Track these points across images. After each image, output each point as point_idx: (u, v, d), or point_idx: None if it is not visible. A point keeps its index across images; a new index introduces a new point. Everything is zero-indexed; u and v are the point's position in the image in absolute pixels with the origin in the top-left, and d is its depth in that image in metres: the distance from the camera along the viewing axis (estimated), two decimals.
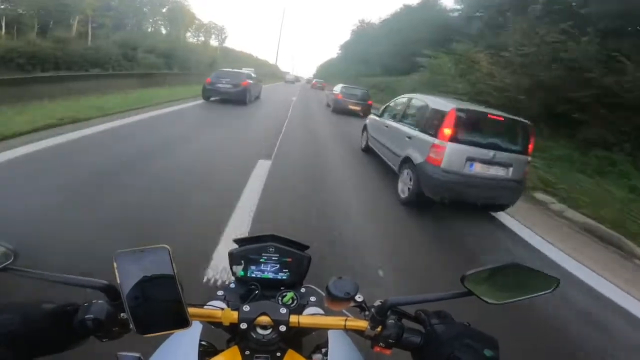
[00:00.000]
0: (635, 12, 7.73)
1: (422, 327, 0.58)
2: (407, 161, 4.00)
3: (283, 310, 0.59)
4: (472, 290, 0.57)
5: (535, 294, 0.58)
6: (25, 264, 0.51)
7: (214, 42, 53.62)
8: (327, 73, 54.35)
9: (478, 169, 3.52)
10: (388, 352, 0.59)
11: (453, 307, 0.60)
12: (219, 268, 2.14)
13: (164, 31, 41.30)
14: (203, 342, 0.67)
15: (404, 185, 3.98)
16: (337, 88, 14.03)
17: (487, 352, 0.50)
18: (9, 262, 0.50)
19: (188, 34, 48.87)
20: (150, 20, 38.67)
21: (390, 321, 0.58)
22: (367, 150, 6.16)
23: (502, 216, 4.10)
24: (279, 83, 39.34)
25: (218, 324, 0.60)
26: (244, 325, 0.57)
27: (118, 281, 0.47)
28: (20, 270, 0.50)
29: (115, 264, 0.46)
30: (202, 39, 51.84)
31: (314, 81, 38.67)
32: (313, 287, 0.79)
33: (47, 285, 0.53)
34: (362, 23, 49.22)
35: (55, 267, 0.56)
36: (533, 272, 0.59)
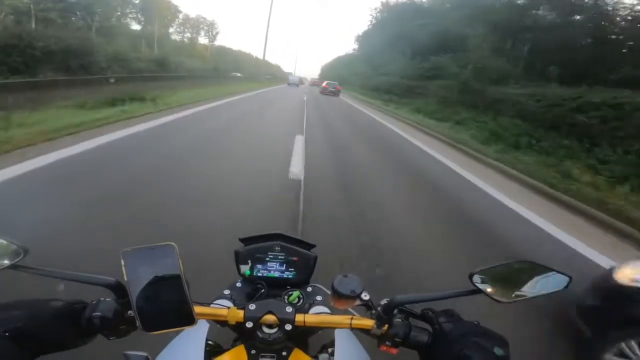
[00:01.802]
0: None
1: (430, 326, 0.57)
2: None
3: (289, 309, 0.59)
4: (481, 288, 0.56)
5: (546, 292, 0.57)
6: (34, 261, 0.51)
7: (203, 40, 46.66)
8: (337, 74, 42.45)
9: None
10: (395, 351, 0.58)
11: (460, 305, 0.57)
12: None
13: (137, 27, 34.14)
14: (210, 342, 0.67)
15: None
16: None
17: (498, 351, 0.49)
18: (18, 259, 0.50)
19: (171, 30, 41.47)
20: (118, 13, 31.52)
21: (397, 320, 0.57)
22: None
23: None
24: (280, 86, 29.93)
25: (224, 323, 0.60)
26: (249, 324, 0.57)
27: (125, 279, 0.47)
28: (30, 268, 0.51)
29: (122, 262, 0.47)
30: (188, 35, 45.00)
31: (324, 83, 27.68)
32: (319, 286, 0.79)
33: (56, 283, 0.52)
34: (384, 5, 36.56)
35: None
36: (543, 269, 0.58)
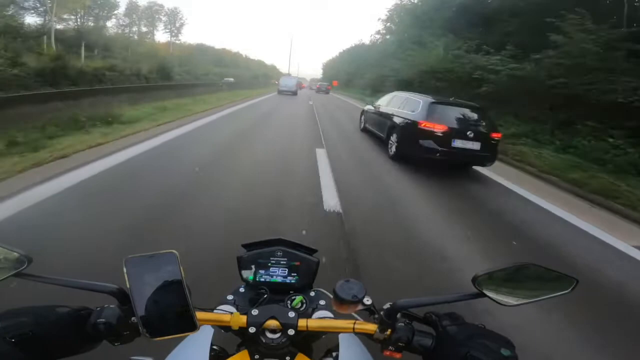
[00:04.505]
0: None
1: (433, 330, 0.57)
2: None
3: (291, 314, 0.58)
4: (485, 292, 0.55)
5: (552, 295, 0.56)
6: (38, 269, 0.52)
7: (164, 35, 32.56)
8: (350, 75, 34.52)
9: None
10: (398, 355, 0.57)
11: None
12: None
13: (35, 20, 22.53)
14: (214, 347, 0.67)
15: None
16: None
17: (504, 352, 0.48)
18: (23, 267, 0.51)
19: (110, 23, 29.18)
20: None
21: (399, 324, 0.56)
22: None
23: None
24: (267, 96, 18.84)
25: (228, 328, 0.60)
26: (252, 329, 0.57)
27: (128, 286, 0.47)
28: (34, 276, 0.51)
29: (125, 269, 0.47)
30: (136, 29, 31.91)
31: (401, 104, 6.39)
32: (322, 290, 0.78)
33: (61, 291, 0.54)
34: None
35: None
36: (549, 272, 0.57)
